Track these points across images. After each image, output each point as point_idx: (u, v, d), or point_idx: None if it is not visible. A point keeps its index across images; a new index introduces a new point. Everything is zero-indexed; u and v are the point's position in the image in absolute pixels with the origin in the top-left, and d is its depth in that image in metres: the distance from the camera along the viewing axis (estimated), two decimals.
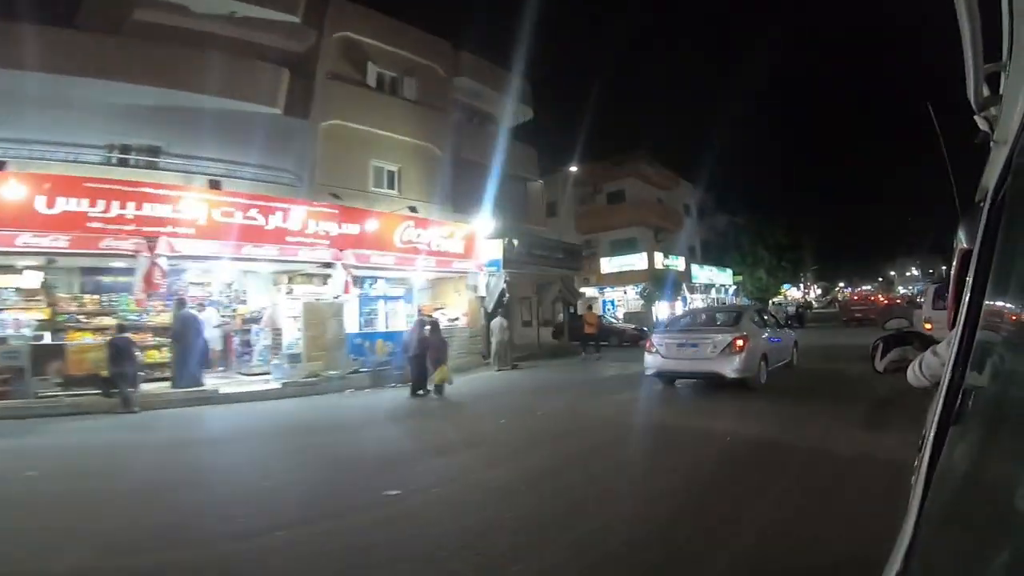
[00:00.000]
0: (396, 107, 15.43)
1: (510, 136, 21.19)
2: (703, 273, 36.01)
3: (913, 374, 1.66)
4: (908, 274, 79.99)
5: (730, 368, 8.63)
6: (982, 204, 1.15)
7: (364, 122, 14.48)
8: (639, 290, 29.51)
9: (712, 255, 38.62)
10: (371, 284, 13.93)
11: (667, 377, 9.73)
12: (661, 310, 29.69)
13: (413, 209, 14.00)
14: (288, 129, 13.22)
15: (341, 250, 11.78)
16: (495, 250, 14.98)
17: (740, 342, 8.68)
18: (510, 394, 10.94)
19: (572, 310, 24.16)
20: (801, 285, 77.05)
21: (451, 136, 16.93)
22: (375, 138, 14.76)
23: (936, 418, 1.00)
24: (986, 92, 1.04)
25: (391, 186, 15.31)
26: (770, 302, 38.71)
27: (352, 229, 12.25)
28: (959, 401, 0.93)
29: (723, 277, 39.41)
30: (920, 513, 0.90)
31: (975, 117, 1.13)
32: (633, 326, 23.70)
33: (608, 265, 31.44)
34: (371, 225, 12.82)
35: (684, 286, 33.83)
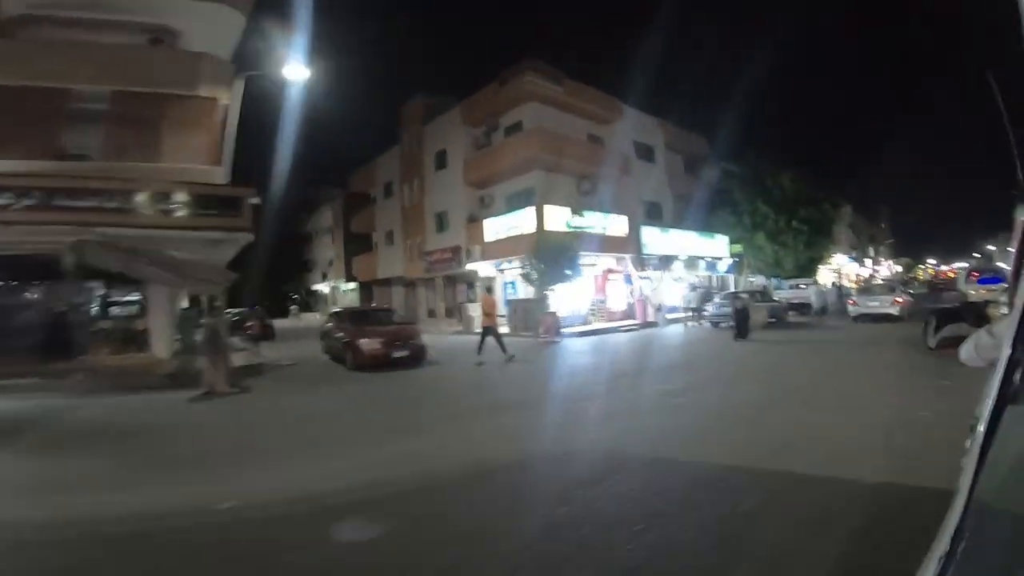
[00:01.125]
0: None
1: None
2: (666, 240, 24.96)
3: (967, 352, 1.61)
4: (1010, 248, 61.59)
5: (895, 311, 16.80)
6: None
7: None
8: (523, 266, 19.44)
9: (693, 217, 27.26)
10: None
11: (863, 317, 17.27)
12: (571, 298, 19.61)
13: None
14: None
15: None
16: None
17: (899, 298, 17.52)
18: None
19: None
20: (869, 260, 60.92)
21: None
22: None
23: (992, 398, 0.98)
24: None
25: None
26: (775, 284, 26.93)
27: None
28: (1018, 380, 0.94)
29: (711, 246, 28.00)
30: (970, 495, 0.89)
31: None
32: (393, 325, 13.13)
33: (493, 229, 21.60)
34: None
35: (630, 261, 23.25)
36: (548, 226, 19.09)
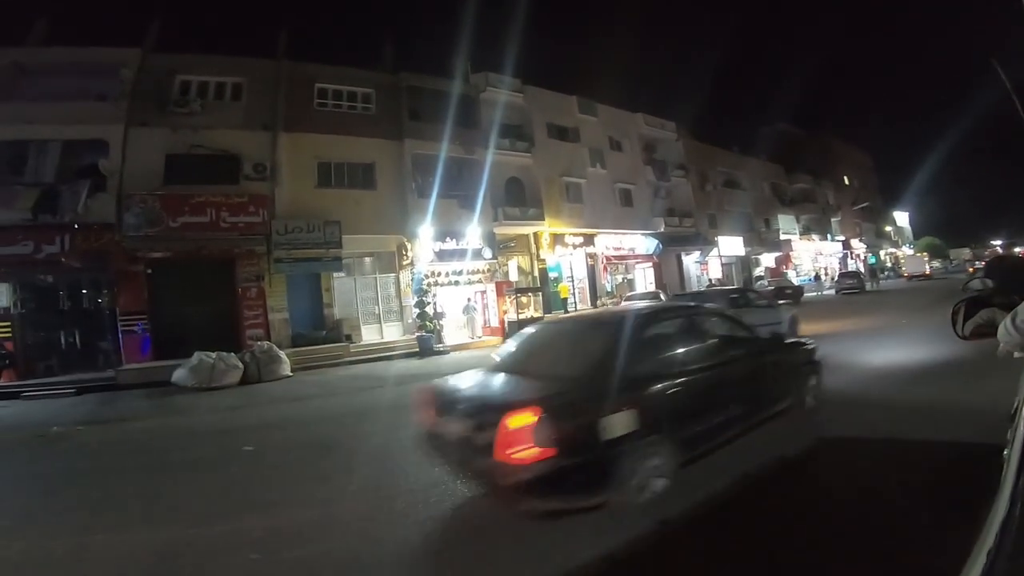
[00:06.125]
0: None
1: None
2: None
3: (1006, 331, 1.41)
4: None
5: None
6: None
7: None
8: None
9: None
10: None
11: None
12: None
13: None
14: None
15: None
16: None
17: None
18: None
19: None
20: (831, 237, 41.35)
21: None
22: None
23: None
24: None
25: None
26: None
27: None
28: None
29: None
30: (1016, 486, 0.84)
31: None
32: None
33: None
34: None
35: None
36: None
